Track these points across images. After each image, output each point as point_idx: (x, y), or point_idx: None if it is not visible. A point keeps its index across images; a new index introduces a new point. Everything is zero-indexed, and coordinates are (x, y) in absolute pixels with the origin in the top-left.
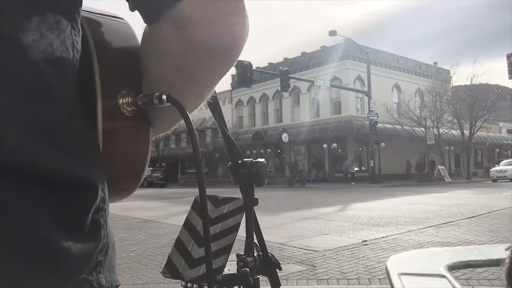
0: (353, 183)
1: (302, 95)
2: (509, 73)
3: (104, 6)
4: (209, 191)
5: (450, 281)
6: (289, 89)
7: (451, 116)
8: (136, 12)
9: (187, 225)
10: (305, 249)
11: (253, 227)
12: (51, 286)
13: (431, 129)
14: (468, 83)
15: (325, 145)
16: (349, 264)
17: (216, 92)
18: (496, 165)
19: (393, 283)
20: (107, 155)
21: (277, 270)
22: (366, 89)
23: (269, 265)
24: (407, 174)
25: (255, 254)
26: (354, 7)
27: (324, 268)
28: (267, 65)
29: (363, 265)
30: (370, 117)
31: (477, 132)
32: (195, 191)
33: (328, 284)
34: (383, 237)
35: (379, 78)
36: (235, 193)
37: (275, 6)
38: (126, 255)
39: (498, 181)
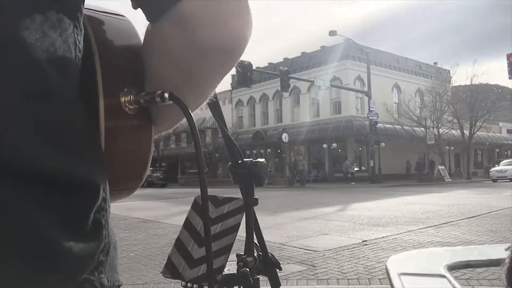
0: (353, 183)
1: (302, 95)
2: (509, 73)
3: (105, 3)
4: (209, 191)
5: (450, 281)
6: (289, 89)
7: (451, 116)
8: (138, 10)
9: (187, 225)
10: (305, 249)
11: (253, 227)
12: (52, 286)
13: (431, 129)
14: (468, 83)
15: (325, 145)
16: (349, 264)
17: (216, 92)
18: (496, 165)
19: (393, 283)
20: (109, 153)
21: (277, 270)
22: (366, 89)
23: (269, 265)
24: (407, 174)
25: (255, 254)
26: (354, 7)
27: (324, 268)
28: (267, 65)
29: (363, 265)
30: (370, 117)
31: (477, 132)
32: (195, 191)
33: (328, 284)
34: (383, 237)
35: (379, 78)
36: (235, 193)
37: (275, 6)
38: (126, 255)
39: (498, 181)
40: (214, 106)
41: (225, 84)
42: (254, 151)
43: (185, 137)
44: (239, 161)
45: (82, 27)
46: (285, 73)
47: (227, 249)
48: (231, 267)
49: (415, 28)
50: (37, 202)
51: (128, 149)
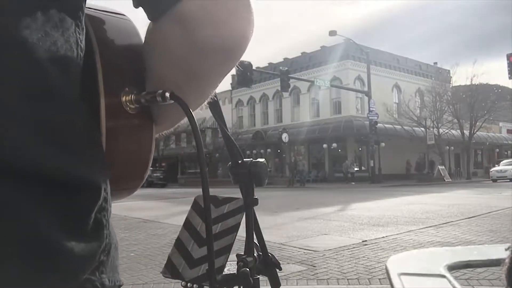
0: (353, 183)
1: (302, 95)
2: (509, 73)
3: (106, 3)
4: (210, 191)
5: (450, 281)
6: (289, 89)
7: (451, 116)
8: (138, 8)
9: (187, 225)
10: (305, 249)
11: (253, 227)
12: (53, 286)
13: (431, 129)
14: (468, 83)
15: (325, 145)
16: (349, 264)
17: (216, 92)
18: (496, 165)
19: (393, 283)
20: (110, 153)
21: (277, 270)
22: (366, 89)
23: (269, 265)
24: (407, 174)
25: (255, 254)
26: (354, 7)
27: (324, 268)
28: (267, 65)
29: (363, 265)
30: (370, 117)
31: (477, 132)
32: (195, 191)
33: (328, 284)
34: (383, 237)
35: (379, 78)
36: (235, 193)
37: (275, 6)
38: (126, 255)
39: (498, 181)
40: (214, 106)
41: (225, 84)
42: (254, 151)
43: (185, 137)
44: (239, 161)
45: (84, 26)
46: (285, 73)
47: (227, 249)
48: (231, 267)
49: (415, 28)
50: (38, 202)
51: (129, 148)
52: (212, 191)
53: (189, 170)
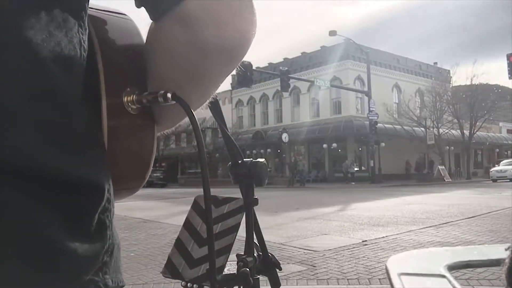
0: (353, 183)
1: (302, 95)
2: (509, 73)
3: (107, 3)
4: (210, 191)
5: (450, 281)
6: (289, 89)
7: (451, 116)
8: (136, 8)
9: (187, 225)
10: (305, 249)
11: (253, 227)
12: (56, 287)
13: (431, 129)
14: (468, 83)
15: (325, 145)
16: (349, 264)
17: (216, 92)
18: (496, 165)
19: (393, 283)
20: (112, 153)
21: (277, 270)
22: (366, 89)
23: (269, 265)
24: (406, 174)
25: (255, 254)
26: (354, 7)
27: (324, 268)
28: (267, 65)
29: (363, 265)
30: (370, 117)
31: (477, 132)
32: (195, 191)
33: (328, 284)
34: (383, 237)
35: (379, 78)
36: (235, 193)
37: (275, 6)
38: (126, 255)
39: (498, 181)
40: (214, 106)
41: (225, 84)
42: (254, 151)
43: (185, 137)
44: (239, 161)
45: (87, 27)
46: (285, 73)
47: (227, 249)
48: (231, 267)
49: (415, 28)
50: (41, 202)
51: (130, 148)
52: (212, 191)
53: (189, 170)
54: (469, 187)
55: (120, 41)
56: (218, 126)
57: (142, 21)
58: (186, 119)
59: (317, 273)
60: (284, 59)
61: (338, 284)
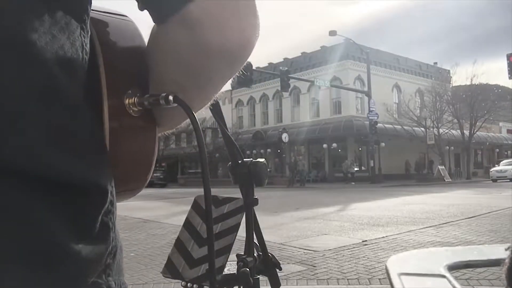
0: (353, 183)
1: (302, 95)
2: (509, 73)
3: (108, 3)
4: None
5: (450, 281)
6: (289, 89)
7: (451, 116)
8: (138, 9)
9: (187, 225)
10: (305, 249)
11: (253, 227)
12: None
13: (431, 129)
14: (468, 83)
15: (325, 145)
16: (349, 264)
17: None
18: (496, 165)
19: (393, 283)
20: (114, 155)
21: (277, 270)
22: (366, 89)
23: (269, 265)
24: (406, 174)
25: (255, 254)
26: (354, 7)
27: (324, 268)
28: (267, 65)
29: (363, 265)
30: (370, 117)
31: (477, 132)
32: (195, 191)
33: (328, 284)
34: (383, 237)
35: (379, 78)
36: (235, 193)
37: (275, 6)
38: (126, 255)
39: (498, 181)
40: (215, 106)
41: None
42: (254, 151)
43: (185, 137)
44: (239, 161)
45: (89, 30)
46: (285, 73)
47: (227, 249)
48: (231, 267)
49: (415, 28)
50: (44, 204)
51: (132, 150)
52: (212, 191)
53: (189, 170)
54: (469, 187)
55: (122, 43)
56: (218, 126)
57: (141, 21)
58: (187, 120)
59: (317, 273)
60: (284, 59)
61: (338, 284)
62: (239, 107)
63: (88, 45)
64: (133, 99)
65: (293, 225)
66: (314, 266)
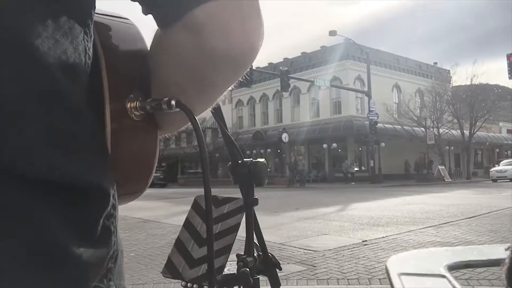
0: (353, 183)
1: (302, 95)
2: (509, 73)
3: (109, 3)
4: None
5: (450, 281)
6: (289, 89)
7: (451, 116)
8: (138, 11)
9: (187, 225)
10: (305, 249)
11: (253, 227)
12: None
13: (431, 129)
14: (468, 83)
15: (325, 145)
16: (349, 264)
17: None
18: (496, 165)
19: (393, 283)
20: (115, 159)
21: (277, 270)
22: (366, 89)
23: (269, 265)
24: (406, 174)
25: (255, 254)
26: (354, 7)
27: (324, 268)
28: (267, 65)
29: (363, 265)
30: (370, 117)
31: (477, 132)
32: (195, 191)
33: (328, 284)
34: (383, 237)
35: (379, 78)
36: (235, 193)
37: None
38: (126, 255)
39: (498, 181)
40: (215, 106)
41: None
42: (254, 151)
43: (185, 137)
44: (239, 161)
45: (92, 34)
46: (285, 73)
47: (227, 249)
48: (231, 267)
49: (415, 28)
50: (45, 207)
51: (133, 154)
52: (212, 191)
53: (189, 170)
54: (469, 187)
55: (124, 47)
56: (218, 126)
57: (141, 21)
58: (188, 123)
59: (317, 273)
60: (284, 59)
61: (338, 284)
62: (239, 107)
63: (91, 49)
64: (135, 103)
65: (293, 225)
66: (314, 266)
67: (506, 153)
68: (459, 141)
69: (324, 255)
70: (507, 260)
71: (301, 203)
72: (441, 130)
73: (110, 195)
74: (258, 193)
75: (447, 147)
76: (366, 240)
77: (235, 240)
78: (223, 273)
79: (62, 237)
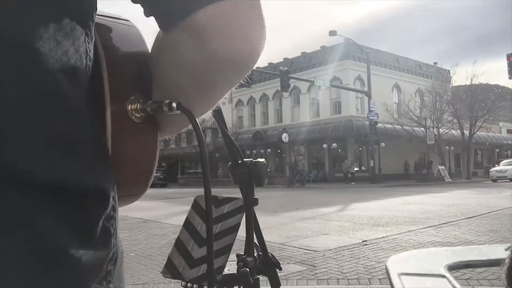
0: (353, 183)
1: (302, 95)
2: (509, 73)
3: (110, 8)
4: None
5: (450, 281)
6: (289, 89)
7: (451, 116)
8: (138, 13)
9: (187, 225)
10: (305, 249)
11: (253, 227)
12: None
13: (431, 129)
14: (468, 83)
15: (325, 145)
16: (349, 264)
17: None
18: (496, 165)
19: (393, 283)
20: (115, 161)
21: (277, 270)
22: (366, 89)
23: (269, 265)
24: (406, 174)
25: (255, 254)
26: (354, 7)
27: (324, 268)
28: (267, 65)
29: (363, 265)
30: (370, 117)
31: (477, 132)
32: (195, 191)
33: (328, 284)
34: (383, 237)
35: (379, 78)
36: (235, 193)
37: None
38: (126, 255)
39: (498, 181)
40: (215, 109)
41: None
42: (254, 151)
43: (185, 137)
44: (239, 161)
45: (93, 35)
46: (285, 73)
47: (227, 249)
48: (231, 267)
49: (415, 28)
50: (45, 209)
51: (133, 156)
52: (212, 191)
53: (189, 170)
54: (469, 187)
55: (125, 49)
56: (218, 126)
57: (141, 22)
58: (189, 125)
59: (317, 273)
60: (284, 59)
61: (338, 284)
62: (239, 107)
63: (92, 51)
64: (135, 105)
65: (293, 225)
66: (314, 266)
67: (506, 153)
68: (459, 141)
69: (324, 255)
70: (507, 260)
71: (301, 203)
72: (441, 130)
73: (110, 197)
74: (258, 193)
75: (447, 147)
76: (366, 240)
77: (235, 240)
78: (223, 273)
79: (60, 238)
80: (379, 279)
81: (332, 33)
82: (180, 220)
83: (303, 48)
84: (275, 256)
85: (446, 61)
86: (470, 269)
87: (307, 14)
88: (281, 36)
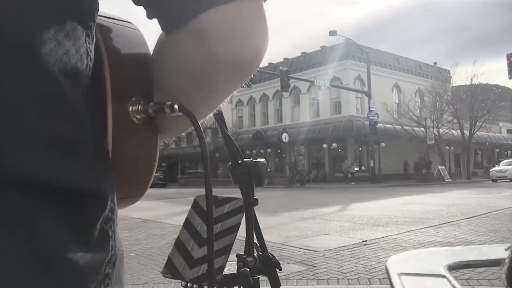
0: (353, 183)
1: (302, 95)
2: (509, 73)
3: (112, 9)
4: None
5: (450, 281)
6: (289, 89)
7: (451, 116)
8: (138, 14)
9: (187, 225)
10: (305, 249)
11: (253, 227)
12: None
13: (431, 129)
14: (468, 83)
15: (325, 145)
16: (349, 264)
17: None
18: (496, 165)
19: (393, 283)
20: (115, 162)
21: (277, 270)
22: (366, 89)
23: (269, 265)
24: (406, 174)
25: (255, 254)
26: (354, 7)
27: (324, 268)
28: (267, 65)
29: (363, 265)
30: (370, 117)
31: (477, 132)
32: (195, 191)
33: (328, 284)
34: (383, 237)
35: (379, 78)
36: (235, 193)
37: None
38: (126, 255)
39: (498, 181)
40: (216, 112)
41: None
42: (254, 151)
43: (185, 137)
44: (239, 161)
45: (94, 36)
46: (285, 73)
47: (227, 249)
48: (231, 267)
49: (415, 28)
50: (42, 211)
51: (134, 158)
52: (213, 191)
53: (189, 170)
54: (469, 187)
55: (127, 50)
56: (219, 126)
57: (141, 24)
58: (190, 127)
59: (317, 273)
60: (284, 59)
61: (338, 284)
62: (239, 107)
63: (93, 52)
64: (137, 106)
65: (293, 225)
66: (314, 266)
67: (506, 153)
68: (459, 141)
69: (324, 255)
70: (507, 260)
71: (301, 203)
72: (441, 130)
73: (108, 198)
74: (258, 193)
75: (447, 147)
76: (366, 240)
77: (235, 240)
78: (223, 273)
79: (58, 241)
80: (379, 279)
81: (332, 33)
82: (180, 220)
83: (303, 48)
84: (275, 256)
85: (446, 61)
86: (470, 269)
87: (307, 14)
88: (281, 36)
